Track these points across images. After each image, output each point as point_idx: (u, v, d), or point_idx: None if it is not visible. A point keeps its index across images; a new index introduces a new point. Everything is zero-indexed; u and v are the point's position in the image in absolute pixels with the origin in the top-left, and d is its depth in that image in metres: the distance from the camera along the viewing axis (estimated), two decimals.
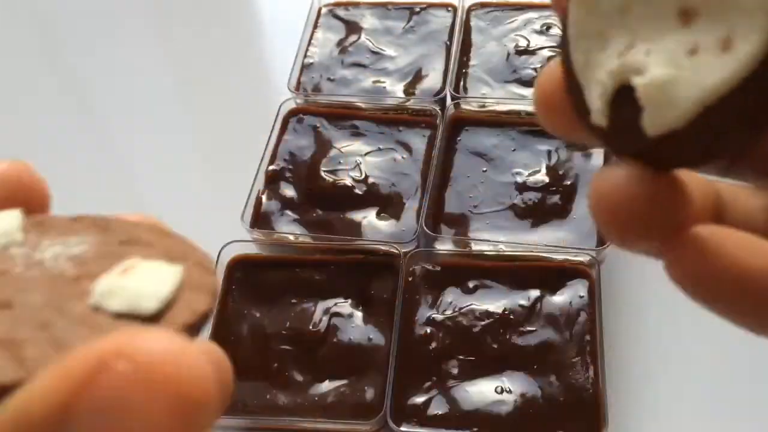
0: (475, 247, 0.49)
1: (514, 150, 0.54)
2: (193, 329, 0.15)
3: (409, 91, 0.58)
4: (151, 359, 0.12)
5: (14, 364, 0.14)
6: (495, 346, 0.45)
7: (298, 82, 0.60)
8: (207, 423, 0.12)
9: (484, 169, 0.53)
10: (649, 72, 0.15)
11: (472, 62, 0.60)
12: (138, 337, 0.12)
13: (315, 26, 0.64)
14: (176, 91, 0.70)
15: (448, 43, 0.61)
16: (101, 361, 0.12)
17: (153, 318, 0.15)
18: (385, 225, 0.51)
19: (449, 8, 0.64)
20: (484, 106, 0.56)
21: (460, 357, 0.45)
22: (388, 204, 0.52)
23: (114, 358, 0.12)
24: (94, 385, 0.12)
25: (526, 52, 0.60)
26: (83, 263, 0.17)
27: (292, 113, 0.58)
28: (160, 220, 0.19)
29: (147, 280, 0.16)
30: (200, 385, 0.12)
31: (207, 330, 0.47)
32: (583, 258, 0.47)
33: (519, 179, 0.52)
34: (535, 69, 0.58)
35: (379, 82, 0.59)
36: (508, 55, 0.60)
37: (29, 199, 0.19)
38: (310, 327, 0.46)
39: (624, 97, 0.16)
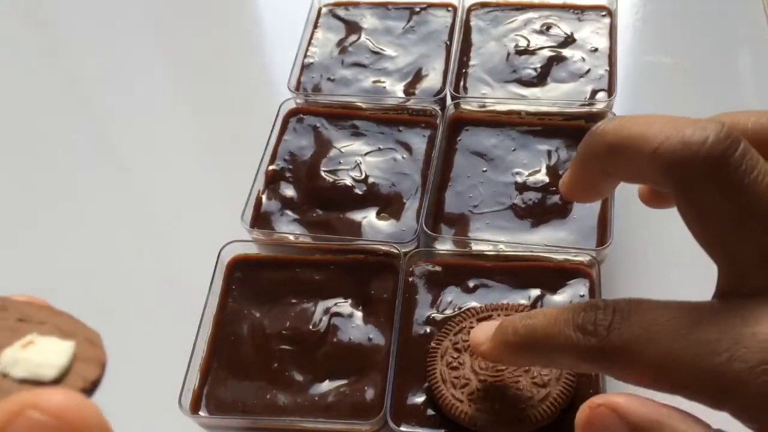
0: (475, 247, 0.49)
1: (514, 150, 0.54)
2: (86, 393, 0.19)
3: (409, 91, 0.58)
4: (57, 408, 0.16)
5: None
6: None
7: (298, 82, 0.60)
8: None
9: (484, 169, 0.53)
10: None
11: (472, 62, 0.60)
12: (45, 393, 0.16)
13: (315, 26, 0.64)
14: (176, 91, 0.70)
15: (448, 43, 0.61)
16: (17, 412, 0.16)
17: (52, 384, 0.19)
18: (385, 225, 0.51)
19: (449, 8, 0.64)
20: (484, 106, 0.56)
21: None
22: (388, 204, 0.52)
23: (28, 408, 0.16)
24: (11, 427, 0.16)
25: (526, 52, 0.60)
26: None
27: (292, 113, 0.58)
28: (46, 300, 0.22)
29: (46, 353, 0.19)
30: (95, 427, 0.16)
31: (207, 330, 0.47)
32: (583, 258, 0.47)
33: (519, 179, 0.52)
34: (535, 69, 0.58)
35: (379, 82, 0.59)
36: (508, 55, 0.60)
37: None
38: (310, 327, 0.46)
39: None
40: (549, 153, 0.54)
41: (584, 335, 0.27)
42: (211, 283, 0.48)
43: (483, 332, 0.36)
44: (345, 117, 0.57)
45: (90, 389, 0.19)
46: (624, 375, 0.27)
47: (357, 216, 0.52)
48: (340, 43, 0.62)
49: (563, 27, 0.61)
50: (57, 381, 0.19)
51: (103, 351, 0.20)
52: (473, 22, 0.63)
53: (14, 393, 0.18)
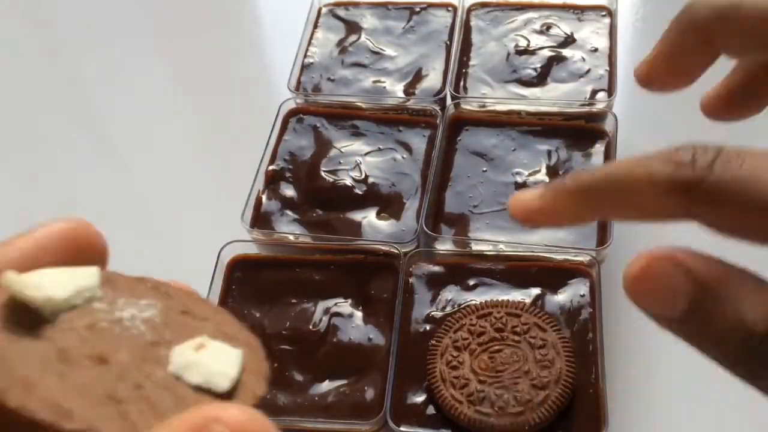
0: (475, 247, 0.49)
1: (514, 150, 0.54)
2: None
3: (409, 91, 0.58)
4: (238, 425, 0.16)
5: (122, 421, 0.17)
6: None
7: (298, 82, 0.60)
8: None
9: (484, 169, 0.53)
10: None
11: (472, 62, 0.60)
12: (229, 408, 0.17)
13: (315, 26, 0.64)
14: (176, 91, 0.70)
15: (448, 43, 0.61)
16: (201, 425, 0.16)
17: (225, 395, 0.19)
18: (385, 225, 0.51)
19: (449, 8, 0.64)
20: (484, 106, 0.56)
21: None
22: (388, 204, 0.52)
23: (213, 423, 0.16)
24: None
25: (526, 52, 0.60)
26: (156, 328, 0.20)
27: (292, 113, 0.58)
28: (189, 286, 0.23)
29: (218, 360, 0.19)
30: None
31: None
32: (583, 258, 0.47)
33: (519, 179, 0.52)
34: (535, 69, 0.58)
35: (379, 82, 0.59)
36: (508, 55, 0.60)
37: (89, 256, 0.22)
38: (310, 327, 0.46)
39: None
40: (549, 153, 0.54)
41: (678, 167, 0.22)
42: (211, 283, 0.48)
43: (528, 193, 0.25)
44: (345, 117, 0.57)
45: (258, 405, 0.19)
46: (720, 216, 0.21)
47: (357, 216, 0.52)
48: (340, 43, 0.62)
49: (563, 27, 0.61)
50: (229, 392, 0.19)
51: (266, 363, 0.20)
52: (473, 22, 0.63)
53: (190, 400, 0.18)
